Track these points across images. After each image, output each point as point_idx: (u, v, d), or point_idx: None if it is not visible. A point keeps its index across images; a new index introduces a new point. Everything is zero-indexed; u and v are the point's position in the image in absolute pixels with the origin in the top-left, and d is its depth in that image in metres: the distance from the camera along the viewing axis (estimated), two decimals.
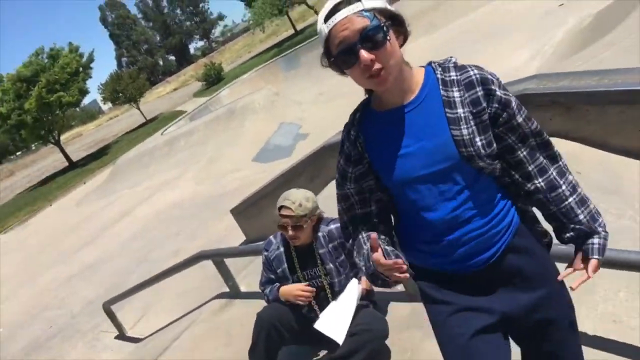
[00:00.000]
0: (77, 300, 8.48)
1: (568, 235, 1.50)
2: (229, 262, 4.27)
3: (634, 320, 2.29)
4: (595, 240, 1.46)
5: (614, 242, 2.70)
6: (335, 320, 2.58)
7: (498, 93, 1.39)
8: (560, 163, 1.48)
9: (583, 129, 3.47)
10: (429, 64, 1.47)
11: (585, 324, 2.32)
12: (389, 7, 1.36)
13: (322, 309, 2.66)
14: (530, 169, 1.46)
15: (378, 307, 2.75)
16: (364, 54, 1.29)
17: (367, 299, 2.68)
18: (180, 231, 9.30)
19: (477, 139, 1.39)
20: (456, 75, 1.41)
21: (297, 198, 2.56)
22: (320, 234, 2.67)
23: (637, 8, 6.27)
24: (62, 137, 34.43)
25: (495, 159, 1.44)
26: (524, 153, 1.45)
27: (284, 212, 2.55)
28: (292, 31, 40.30)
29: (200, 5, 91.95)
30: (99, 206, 15.67)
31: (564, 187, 1.46)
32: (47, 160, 40.70)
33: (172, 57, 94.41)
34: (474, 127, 1.39)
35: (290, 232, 2.56)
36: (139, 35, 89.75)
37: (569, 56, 7.25)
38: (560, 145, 3.52)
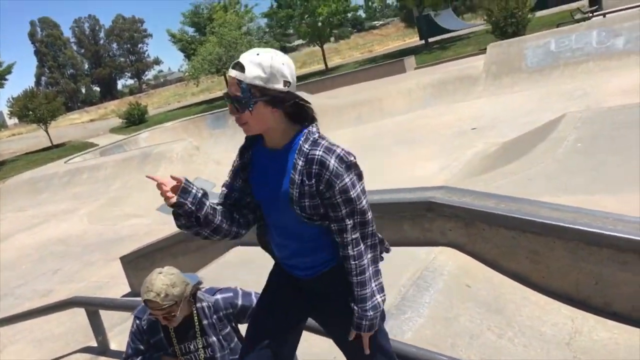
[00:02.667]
0: None
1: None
2: (104, 314, 3.94)
3: None
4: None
5: (487, 359, 2.82)
6: None
7: (326, 176, 1.74)
8: (361, 248, 1.82)
9: (478, 245, 3.70)
10: (304, 127, 1.81)
11: None
12: (268, 86, 1.71)
13: None
14: (338, 241, 1.83)
15: None
16: (232, 109, 1.77)
17: None
18: (58, 270, 8.55)
19: (304, 200, 1.78)
20: (307, 149, 1.77)
21: (161, 288, 2.26)
22: (204, 304, 2.49)
23: (541, 143, 7.00)
24: None
25: (320, 219, 1.82)
26: (336, 227, 1.81)
27: (150, 305, 2.29)
28: (225, 91, 40.68)
29: (140, 45, 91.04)
30: None
31: (353, 265, 1.81)
32: None
33: (97, 88, 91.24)
34: (304, 191, 1.77)
35: (164, 322, 2.36)
36: (67, 58, 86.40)
37: (473, 176, 7.85)
38: (455, 257, 3.72)
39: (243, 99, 1.71)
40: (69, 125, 46.47)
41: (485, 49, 17.62)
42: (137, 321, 2.53)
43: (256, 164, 1.92)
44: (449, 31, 35.13)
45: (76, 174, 15.78)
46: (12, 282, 8.45)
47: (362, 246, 1.82)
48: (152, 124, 30.08)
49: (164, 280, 2.29)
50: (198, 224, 1.88)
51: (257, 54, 1.73)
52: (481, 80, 16.30)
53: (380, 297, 1.85)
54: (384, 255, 1.99)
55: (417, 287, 3.44)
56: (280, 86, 1.72)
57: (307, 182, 1.75)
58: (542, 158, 6.49)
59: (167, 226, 9.07)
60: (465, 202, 3.75)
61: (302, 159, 1.76)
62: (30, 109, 31.61)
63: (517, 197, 3.77)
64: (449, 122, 13.30)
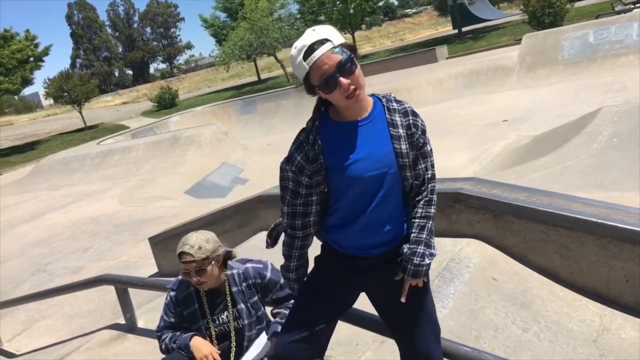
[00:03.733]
0: None
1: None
2: (132, 292, 4.03)
3: None
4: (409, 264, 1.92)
5: (512, 353, 2.79)
6: None
7: (419, 123, 1.90)
8: (434, 197, 1.96)
9: (506, 238, 3.64)
10: (373, 95, 1.92)
11: None
12: (346, 41, 1.77)
13: (225, 359, 2.54)
14: (420, 188, 1.94)
15: None
16: (343, 80, 1.71)
17: None
18: (89, 248, 8.77)
19: (410, 153, 1.86)
20: (396, 105, 1.90)
21: (195, 242, 2.45)
22: (234, 271, 2.59)
23: (575, 137, 6.83)
24: None
25: (412, 174, 1.90)
26: (420, 179, 1.93)
27: (185, 258, 2.43)
28: (255, 78, 40.80)
29: (172, 30, 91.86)
30: (9, 202, 14.60)
31: (420, 210, 1.93)
32: None
33: (130, 72, 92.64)
34: (408, 144, 1.86)
35: (195, 278, 2.44)
36: (102, 41, 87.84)
37: (503, 168, 7.72)
38: (482, 249, 3.67)
39: (347, 61, 1.72)
40: (102, 108, 47.43)
41: (521, 39, 17.23)
42: (172, 293, 2.62)
43: (335, 145, 1.85)
44: (483, 20, 34.43)
45: (108, 155, 16.11)
46: (44, 259, 8.71)
47: (434, 196, 1.96)
48: (183, 108, 30.48)
49: (199, 236, 2.48)
50: None
51: (321, 29, 1.78)
52: (515, 72, 15.95)
53: (431, 250, 1.95)
54: None
55: (442, 278, 3.41)
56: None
57: (408, 133, 1.86)
58: (576, 152, 6.34)
59: (195, 209, 9.21)
60: (494, 195, 3.69)
61: (396, 114, 1.87)
62: (65, 91, 32.35)
63: (548, 190, 3.69)
64: (480, 113, 13.08)
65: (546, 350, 2.91)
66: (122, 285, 3.94)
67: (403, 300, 1.95)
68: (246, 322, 2.56)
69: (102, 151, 16.65)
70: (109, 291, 5.92)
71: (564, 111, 10.91)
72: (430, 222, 1.95)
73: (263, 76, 40.81)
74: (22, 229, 11.13)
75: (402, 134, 1.85)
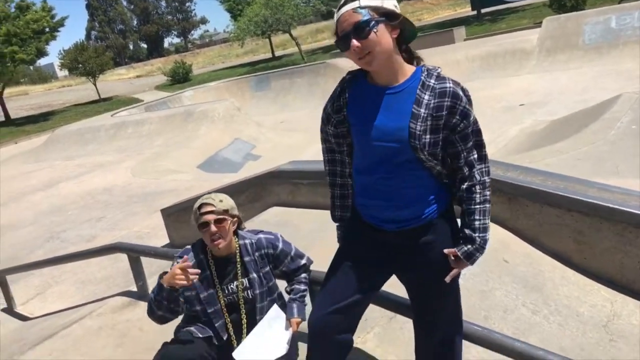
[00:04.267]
0: None
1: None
2: (144, 262, 4.08)
3: None
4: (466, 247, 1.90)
5: (521, 334, 2.79)
6: (255, 349, 2.48)
7: (460, 107, 1.78)
8: (486, 179, 1.89)
9: (520, 222, 3.62)
10: (422, 66, 1.85)
11: None
12: (384, 5, 1.72)
13: (237, 330, 2.55)
14: (466, 173, 1.87)
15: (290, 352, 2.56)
16: (354, 42, 1.70)
17: None
18: (102, 218, 8.87)
19: (426, 136, 1.77)
20: (434, 83, 1.78)
21: (216, 196, 2.51)
22: (246, 241, 2.59)
23: (593, 123, 6.73)
24: (6, 91, 32.56)
25: (436, 158, 1.83)
26: (463, 161, 1.85)
27: (205, 208, 2.45)
28: (269, 55, 40.54)
29: (187, 4, 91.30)
30: (24, 170, 14.78)
31: (478, 195, 1.87)
32: None
33: (144, 45, 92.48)
34: (427, 127, 1.76)
35: (214, 228, 2.42)
36: (117, 14, 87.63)
37: (518, 152, 7.64)
38: (495, 231, 3.66)
39: (365, 23, 1.68)
40: (116, 80, 47.53)
41: (541, 22, 16.91)
42: (180, 259, 2.54)
43: (359, 103, 1.88)
44: (503, 2, 33.72)
45: (122, 128, 16.18)
46: (58, 227, 8.83)
47: (487, 178, 1.90)
48: (196, 83, 30.42)
49: (219, 194, 2.54)
50: None
51: None
52: (534, 55, 15.70)
53: (488, 235, 1.92)
54: None
55: None
56: (391, 5, 1.75)
57: (434, 114, 1.76)
58: (593, 139, 6.25)
59: (208, 183, 9.26)
60: (509, 177, 3.66)
61: (428, 93, 1.77)
62: (80, 62, 32.43)
63: (565, 175, 3.64)
64: (497, 96, 12.92)
65: (555, 333, 2.91)
66: (135, 253, 3.98)
67: (448, 280, 1.93)
68: (257, 292, 2.56)
69: (116, 123, 16.73)
70: (122, 260, 6.00)
71: (582, 97, 10.75)
72: (489, 205, 1.90)
73: (277, 53, 40.53)
74: (36, 197, 11.27)
75: (424, 115, 1.76)
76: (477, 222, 1.89)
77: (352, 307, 2.01)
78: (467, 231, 1.90)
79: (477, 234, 1.89)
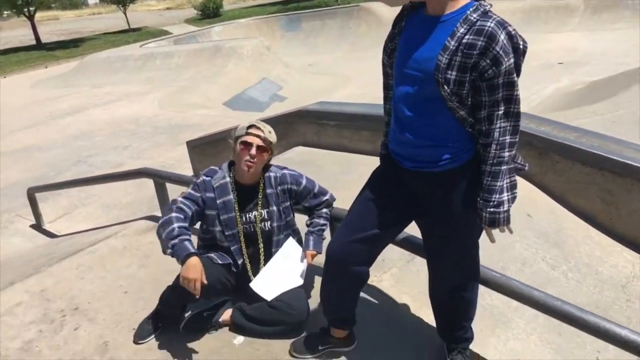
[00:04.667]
0: (1, 178, 8.09)
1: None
2: (170, 188, 4.15)
3: None
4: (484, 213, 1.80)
5: (537, 287, 2.80)
6: (271, 281, 2.55)
7: (493, 51, 1.63)
8: (507, 139, 1.73)
9: (548, 177, 3.56)
10: (475, 0, 1.73)
11: (492, 352, 2.40)
12: None
13: (253, 261, 2.61)
14: (484, 128, 1.75)
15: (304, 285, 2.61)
16: None
17: None
18: (128, 146, 9.01)
19: (451, 72, 1.67)
20: (475, 18, 1.67)
21: (266, 125, 2.53)
22: (271, 174, 2.61)
23: (634, 85, 6.48)
24: (37, 15, 32.48)
25: (461, 101, 1.71)
26: (485, 113, 1.72)
27: (254, 130, 2.48)
28: None
29: None
30: (53, 94, 14.95)
31: (491, 155, 1.74)
32: (15, 32, 38.31)
33: None
34: (455, 63, 1.66)
35: (254, 151, 2.45)
36: None
37: (552, 111, 7.43)
38: (521, 185, 3.61)
39: None
40: (145, 11, 46.96)
41: None
42: (207, 178, 2.55)
43: (408, 32, 1.84)
44: None
45: (150, 59, 16.13)
46: (85, 152, 9.01)
47: (508, 137, 1.73)
48: (226, 19, 29.92)
49: (269, 126, 2.54)
50: None
51: None
52: (579, 12, 15.00)
53: (509, 195, 1.79)
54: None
55: None
56: None
57: (464, 51, 1.65)
58: (632, 102, 6.02)
59: (233, 120, 9.27)
60: (542, 131, 3.58)
61: (465, 27, 1.67)
62: None
63: (601, 133, 3.54)
64: (535, 53, 12.43)
65: (572, 289, 2.92)
66: (161, 179, 4.05)
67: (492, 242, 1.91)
68: (275, 224, 2.59)
69: (145, 54, 16.67)
70: (146, 188, 6.12)
71: (624, 59, 10.31)
72: (504, 167, 1.74)
73: None
74: (65, 121, 11.45)
75: (453, 49, 1.66)
76: (485, 184, 1.78)
77: (371, 240, 2.02)
78: (480, 192, 1.82)
79: (482, 197, 1.80)
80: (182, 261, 2.24)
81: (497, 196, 1.77)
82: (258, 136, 2.47)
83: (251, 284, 2.54)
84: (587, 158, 3.29)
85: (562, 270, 3.03)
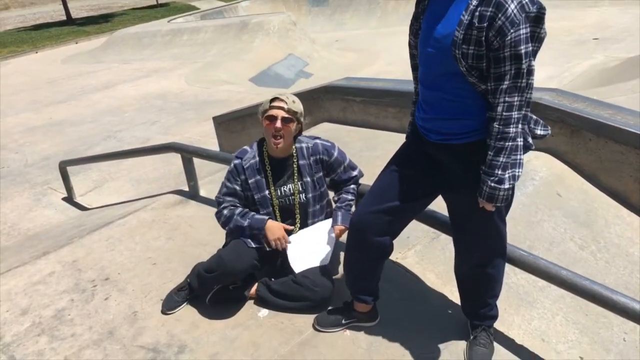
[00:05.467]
0: (35, 151, 8.30)
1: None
2: (197, 164, 4.20)
3: (561, 345, 2.36)
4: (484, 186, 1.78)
5: (567, 266, 2.76)
6: (301, 250, 2.57)
7: (499, 21, 1.58)
8: (513, 114, 1.69)
9: (580, 156, 3.47)
10: None
11: (516, 332, 2.39)
12: None
13: (289, 234, 2.62)
14: (491, 101, 1.72)
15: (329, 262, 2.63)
16: None
17: None
18: (156, 122, 9.12)
19: (467, 46, 1.65)
20: None
21: (290, 96, 2.52)
22: (303, 145, 2.60)
23: None
24: None
25: (481, 75, 1.70)
26: (492, 85, 1.69)
27: (277, 103, 2.47)
28: None
29: None
30: (83, 70, 15.17)
31: (495, 130, 1.71)
32: (46, 8, 38.88)
33: None
34: (469, 36, 1.64)
35: (279, 124, 2.44)
36: None
37: (585, 89, 7.21)
38: (552, 164, 3.54)
39: None
40: None
41: None
42: (237, 161, 2.61)
43: (431, 9, 1.84)
44: None
45: (177, 35, 16.18)
46: (115, 127, 9.16)
47: (514, 113, 1.69)
48: None
49: (293, 96, 2.55)
50: None
51: None
52: None
53: (511, 172, 1.75)
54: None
55: None
56: None
57: (476, 24, 1.62)
58: None
59: (259, 96, 9.28)
60: (575, 109, 3.47)
61: None
62: None
63: (637, 111, 3.42)
64: (570, 28, 12.07)
65: (601, 270, 2.86)
66: (189, 154, 4.09)
67: (489, 208, 1.86)
68: (310, 195, 2.60)
69: (172, 29, 16.71)
70: (173, 163, 6.23)
71: None
72: (509, 143, 1.71)
73: None
74: (95, 97, 11.63)
75: (467, 22, 1.65)
76: (489, 159, 1.75)
77: (393, 211, 2.03)
78: (482, 167, 1.79)
79: (484, 171, 1.78)
80: (262, 228, 2.51)
81: (500, 172, 1.74)
82: (281, 108, 2.46)
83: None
84: (621, 136, 3.19)
85: (590, 250, 2.98)
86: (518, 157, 1.75)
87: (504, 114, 1.69)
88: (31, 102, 11.88)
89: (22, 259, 3.50)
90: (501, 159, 1.73)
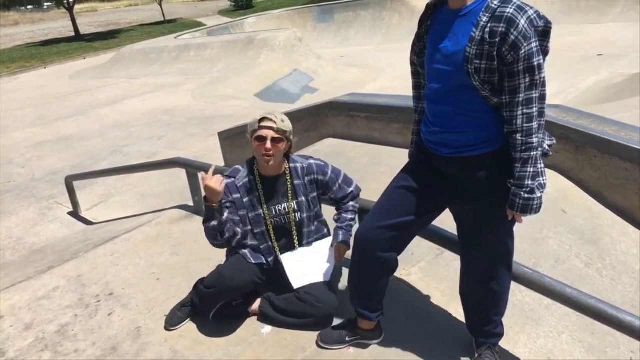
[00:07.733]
0: (42, 166, 8.37)
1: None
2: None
3: None
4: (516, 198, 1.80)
5: (570, 284, 2.74)
6: (300, 266, 2.57)
7: (512, 36, 1.64)
8: (533, 125, 1.72)
9: (584, 172, 3.47)
10: None
11: (521, 350, 2.37)
12: None
13: (285, 252, 2.62)
14: (507, 115, 1.76)
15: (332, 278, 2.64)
16: None
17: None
18: (162, 136, 9.18)
19: (479, 61, 1.70)
20: (496, 5, 1.69)
21: (279, 116, 2.46)
22: (297, 165, 2.59)
23: None
24: (76, 7, 33.34)
25: (493, 89, 1.74)
26: (507, 98, 1.73)
27: (266, 123, 2.41)
28: None
29: None
30: (91, 85, 15.33)
31: (518, 143, 1.75)
32: (55, 24, 39.46)
33: None
34: (482, 51, 1.69)
35: (269, 144, 2.40)
36: None
37: (590, 105, 7.22)
38: (556, 180, 3.53)
39: None
40: (180, 3, 47.60)
41: None
42: (228, 180, 2.57)
43: (435, 28, 1.89)
44: None
45: (184, 50, 16.35)
46: (122, 142, 9.22)
47: (534, 124, 1.74)
48: (259, 10, 30.06)
49: (282, 115, 2.49)
50: None
51: None
52: (621, 2, 14.45)
53: (538, 181, 1.78)
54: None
55: None
56: None
57: (488, 40, 1.68)
58: None
59: (264, 111, 9.32)
60: (580, 125, 3.48)
61: (487, 15, 1.70)
62: None
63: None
64: (574, 44, 12.11)
65: (606, 287, 2.84)
66: (193, 169, 4.11)
67: (519, 220, 1.89)
68: (305, 215, 2.59)
69: (179, 45, 16.89)
70: (179, 178, 6.23)
71: None
72: (534, 153, 1.75)
73: None
74: (103, 112, 11.74)
75: (479, 39, 1.70)
76: (517, 172, 1.78)
77: (400, 227, 2.03)
78: (510, 180, 1.82)
79: (515, 184, 1.79)
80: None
81: (530, 182, 1.77)
82: (271, 128, 2.41)
83: (282, 256, 2.57)
84: (626, 153, 3.19)
85: (596, 267, 2.96)
86: (540, 165, 1.79)
87: (525, 125, 1.73)
88: (39, 116, 12.00)
89: (26, 274, 3.51)
90: (529, 169, 1.76)
